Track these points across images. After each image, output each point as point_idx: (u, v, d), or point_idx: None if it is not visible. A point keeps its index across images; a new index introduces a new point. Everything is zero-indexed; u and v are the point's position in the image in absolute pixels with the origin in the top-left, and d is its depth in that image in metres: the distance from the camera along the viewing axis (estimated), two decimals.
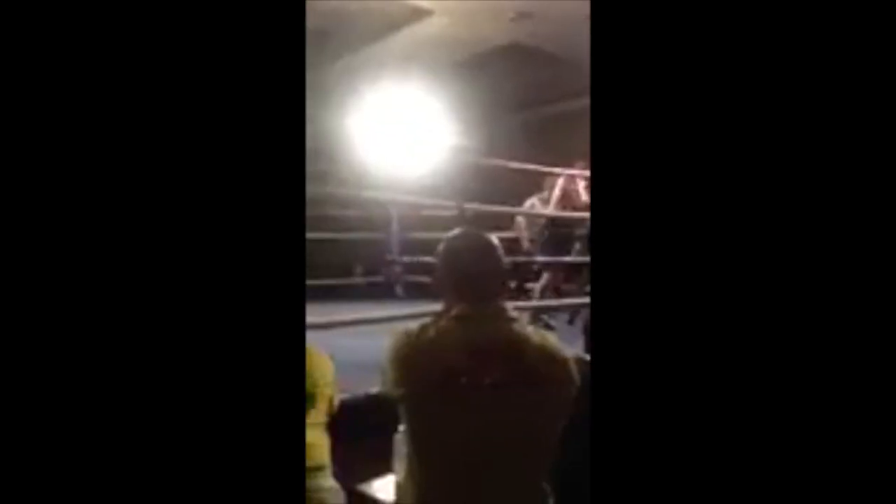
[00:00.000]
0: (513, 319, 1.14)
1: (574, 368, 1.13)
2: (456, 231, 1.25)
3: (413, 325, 1.13)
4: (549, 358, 1.11)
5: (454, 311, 1.13)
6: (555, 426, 1.11)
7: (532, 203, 4.73)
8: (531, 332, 1.14)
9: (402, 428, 1.16)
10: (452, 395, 1.05)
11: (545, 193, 4.62)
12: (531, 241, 4.77)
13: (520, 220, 4.98)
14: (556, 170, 4.34)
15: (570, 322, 4.06)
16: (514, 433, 1.07)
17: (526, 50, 5.54)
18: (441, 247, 1.22)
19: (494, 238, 1.20)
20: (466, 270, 1.16)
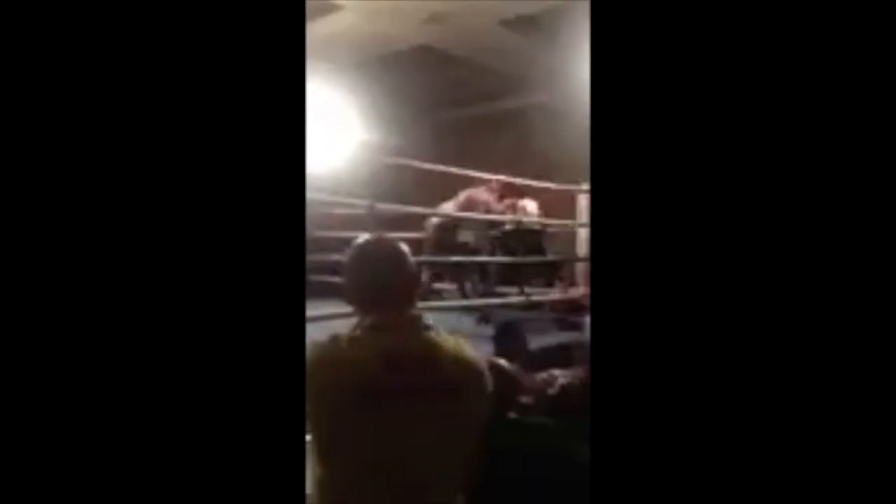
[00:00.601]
0: (427, 327, 1.13)
1: (488, 377, 1.13)
2: (364, 237, 1.22)
3: (324, 336, 1.10)
4: (465, 366, 1.10)
5: (367, 322, 1.11)
6: (470, 437, 1.10)
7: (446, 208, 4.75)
8: (445, 339, 1.12)
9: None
10: (368, 407, 1.02)
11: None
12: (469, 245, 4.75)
13: (430, 222, 4.97)
14: (470, 172, 4.38)
15: (481, 322, 4.09)
16: (431, 444, 1.06)
17: (437, 52, 5.56)
18: (349, 253, 1.19)
19: (403, 245, 1.19)
20: (377, 279, 1.14)
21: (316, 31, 5.15)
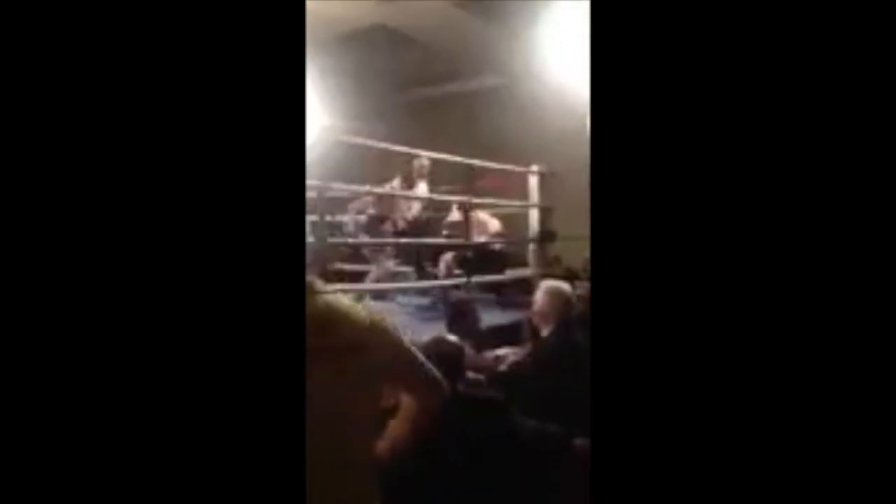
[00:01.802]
0: (320, 292, 1.15)
1: (393, 336, 1.17)
2: None
3: None
4: (360, 324, 1.13)
5: None
6: (374, 396, 1.12)
7: (392, 186, 4.76)
8: (340, 302, 1.16)
9: None
10: None
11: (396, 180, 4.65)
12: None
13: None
14: (418, 152, 4.40)
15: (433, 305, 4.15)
16: (336, 404, 1.06)
17: (390, 32, 5.54)
18: None
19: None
20: None
21: None
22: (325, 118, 4.59)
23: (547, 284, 2.46)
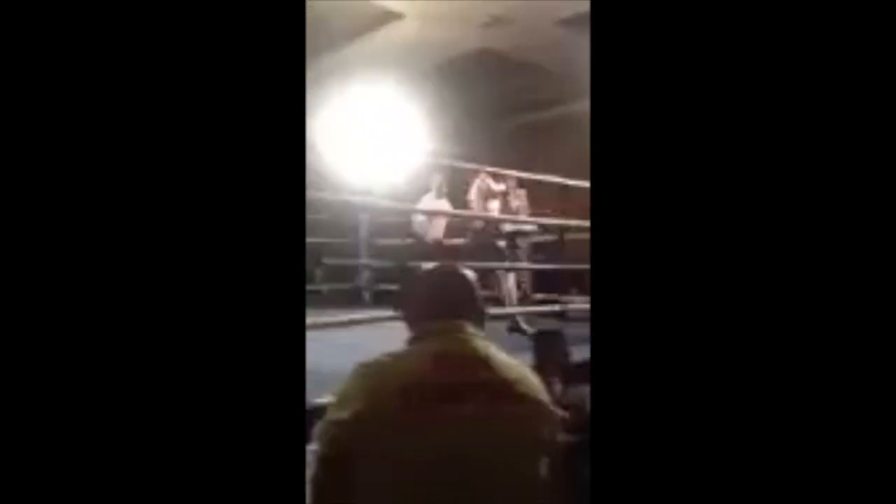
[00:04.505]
0: (475, 334, 1.09)
1: (546, 392, 1.07)
2: (431, 265, 1.25)
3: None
4: (522, 374, 1.05)
5: (413, 333, 1.11)
6: (534, 454, 1.01)
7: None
8: (497, 349, 1.08)
9: (308, 450, 1.05)
10: (415, 408, 0.96)
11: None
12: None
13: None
14: (519, 174, 4.32)
15: (511, 331, 3.92)
16: (486, 454, 0.97)
17: (497, 56, 5.51)
18: (416, 279, 1.22)
19: (468, 272, 1.20)
20: (432, 294, 1.15)
21: (377, 40, 5.22)
22: (429, 143, 4.63)
23: None
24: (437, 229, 4.74)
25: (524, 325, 3.93)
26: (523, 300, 4.45)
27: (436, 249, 4.61)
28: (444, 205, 4.58)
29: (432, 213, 4.52)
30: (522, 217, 4.49)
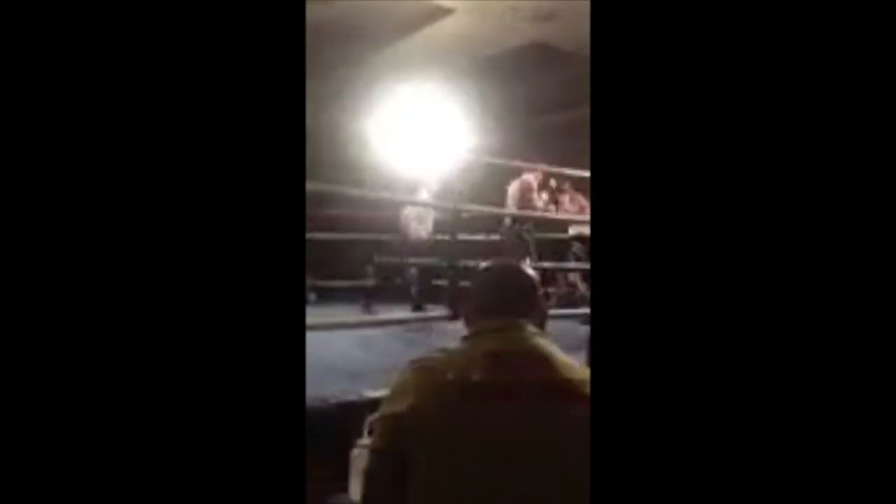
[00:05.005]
0: (534, 333, 1.07)
1: None
2: (490, 262, 1.25)
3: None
4: (582, 372, 1.02)
5: (469, 330, 1.10)
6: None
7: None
8: (556, 349, 1.06)
9: (360, 443, 1.08)
10: (471, 404, 0.95)
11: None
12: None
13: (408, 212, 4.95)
14: (573, 172, 4.29)
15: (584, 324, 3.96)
16: (539, 447, 0.95)
17: (548, 50, 5.45)
18: (474, 276, 1.22)
19: (528, 269, 1.20)
20: (490, 291, 1.15)
21: (427, 36, 5.23)
22: (472, 139, 4.63)
23: None
24: (424, 228, 4.89)
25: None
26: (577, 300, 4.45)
27: (420, 246, 4.67)
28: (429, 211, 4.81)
29: (474, 209, 4.52)
30: (552, 214, 4.52)
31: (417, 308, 4.67)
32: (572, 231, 5.09)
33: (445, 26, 5.07)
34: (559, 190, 5.02)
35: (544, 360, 1.02)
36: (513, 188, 4.79)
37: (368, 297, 5.10)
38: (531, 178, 4.77)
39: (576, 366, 1.05)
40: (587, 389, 1.00)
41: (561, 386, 0.99)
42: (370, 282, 5.45)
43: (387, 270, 5.42)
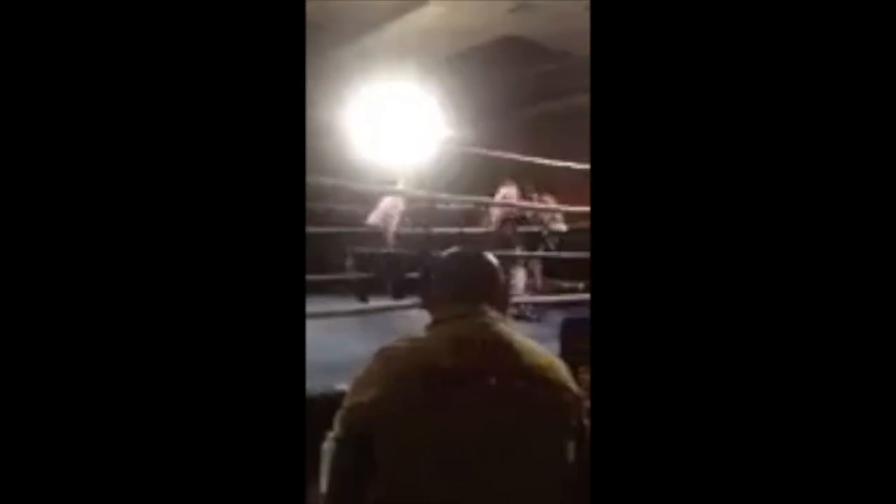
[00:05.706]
0: (498, 319, 1.08)
1: (570, 375, 1.06)
2: (452, 249, 1.24)
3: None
4: (545, 357, 1.04)
5: (433, 316, 1.10)
6: (561, 440, 1.00)
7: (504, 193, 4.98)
8: (521, 334, 1.07)
9: (330, 436, 1.06)
10: (436, 391, 0.95)
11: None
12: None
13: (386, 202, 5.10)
14: (541, 160, 4.38)
15: (538, 320, 4.13)
16: (511, 439, 0.96)
17: (524, 42, 5.45)
18: (437, 263, 1.22)
19: (490, 256, 1.20)
20: (453, 278, 1.15)
21: (405, 26, 5.20)
22: (448, 130, 4.64)
23: None
24: (399, 219, 5.17)
25: (529, 314, 4.30)
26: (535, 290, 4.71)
27: (396, 237, 5.03)
28: (399, 203, 5.08)
29: (457, 199, 4.56)
30: (523, 204, 4.70)
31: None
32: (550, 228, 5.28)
33: (420, 17, 5.05)
34: (530, 198, 5.23)
35: (508, 346, 1.03)
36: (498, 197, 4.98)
37: (362, 288, 5.19)
38: (513, 192, 4.93)
39: (539, 350, 1.06)
40: (551, 374, 1.02)
41: (525, 371, 1.01)
42: (352, 274, 5.48)
43: (366, 262, 5.43)
